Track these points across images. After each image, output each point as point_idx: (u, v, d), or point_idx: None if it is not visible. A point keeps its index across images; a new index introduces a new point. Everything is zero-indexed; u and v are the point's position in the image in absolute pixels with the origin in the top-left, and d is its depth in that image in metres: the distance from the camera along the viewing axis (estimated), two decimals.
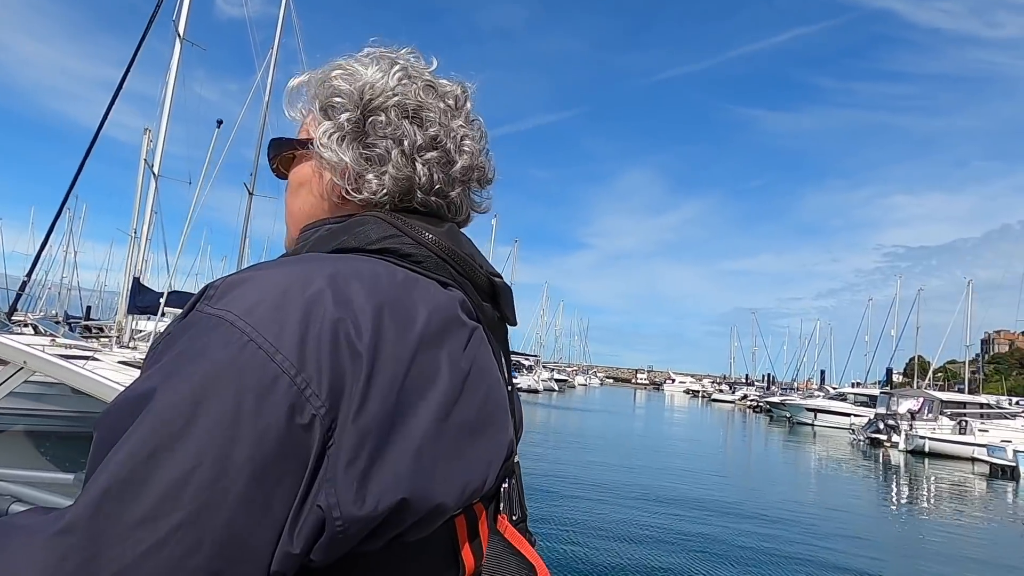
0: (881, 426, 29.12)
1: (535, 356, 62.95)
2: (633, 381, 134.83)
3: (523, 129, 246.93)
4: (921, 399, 30.22)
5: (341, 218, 0.74)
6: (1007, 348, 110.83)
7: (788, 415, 42.65)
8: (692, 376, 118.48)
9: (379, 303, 0.60)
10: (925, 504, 15.60)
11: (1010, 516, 14.73)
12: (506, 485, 0.73)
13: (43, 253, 13.41)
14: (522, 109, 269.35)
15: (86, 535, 0.46)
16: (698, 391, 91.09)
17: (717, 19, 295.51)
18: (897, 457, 25.14)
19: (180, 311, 0.60)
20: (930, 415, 28.57)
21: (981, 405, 30.62)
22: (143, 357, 0.64)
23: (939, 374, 62.28)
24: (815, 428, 37.78)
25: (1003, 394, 54.23)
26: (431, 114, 0.76)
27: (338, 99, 0.75)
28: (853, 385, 57.73)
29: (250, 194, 16.10)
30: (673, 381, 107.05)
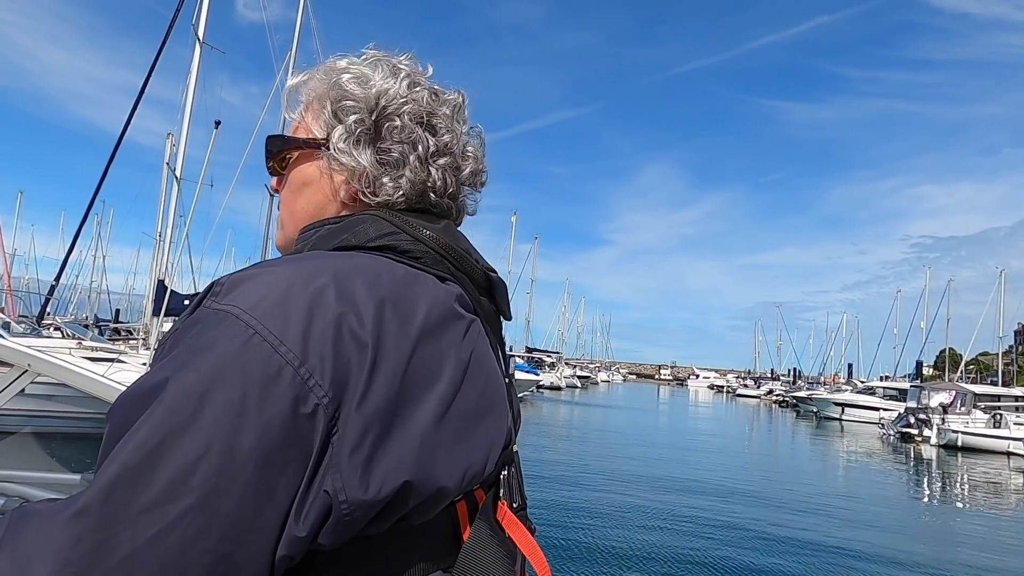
0: (912, 420, 28.56)
1: (557, 353, 62.60)
2: (656, 377, 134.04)
3: (541, 126, 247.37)
4: (953, 392, 29.60)
5: (339, 218, 0.76)
6: None
7: (815, 410, 42.14)
8: (716, 371, 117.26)
9: (381, 298, 0.62)
10: (960, 500, 15.23)
11: None
12: (506, 473, 0.75)
13: (71, 257, 13.64)
14: (540, 105, 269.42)
15: (98, 519, 0.49)
16: (723, 386, 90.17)
17: (736, 10, 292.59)
18: (929, 452, 24.65)
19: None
20: (963, 408, 27.95)
21: (1016, 398, 29.74)
22: None
23: (971, 367, 60.71)
24: (843, 423, 37.26)
25: None
26: (440, 121, 0.80)
27: (350, 102, 0.77)
28: (882, 379, 56.82)
29: (271, 195, 16.23)
30: (697, 377, 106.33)
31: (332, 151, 0.77)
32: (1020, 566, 9.25)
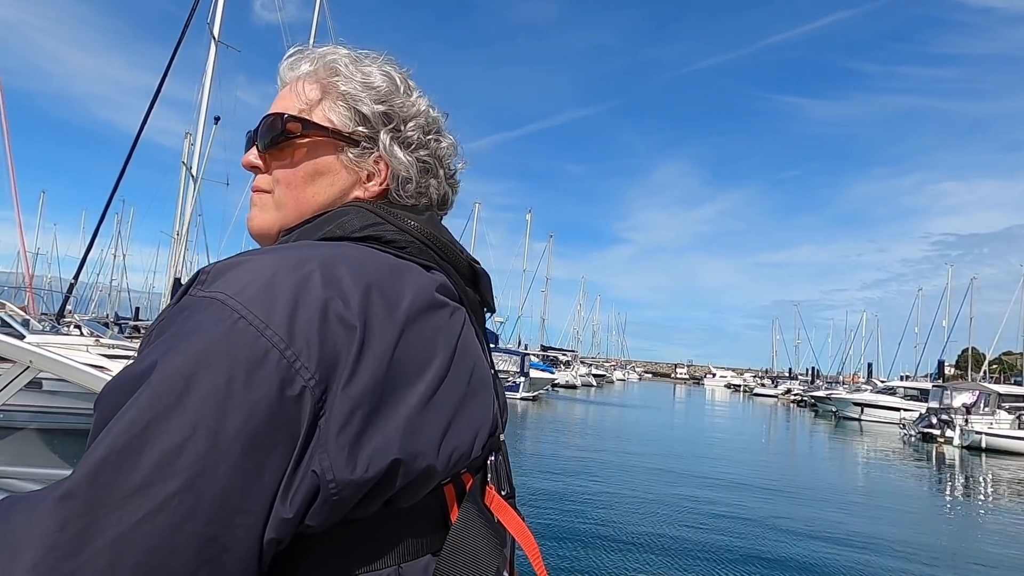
0: (934, 421, 28.02)
1: (572, 351, 62.50)
2: (672, 376, 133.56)
3: (555, 124, 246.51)
4: (977, 392, 29.00)
5: (323, 212, 0.78)
6: None
7: (834, 409, 41.62)
8: (733, 370, 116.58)
9: (367, 283, 0.63)
10: (986, 501, 14.89)
11: None
12: (494, 459, 0.76)
13: (89, 256, 13.80)
14: (554, 104, 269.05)
15: (84, 503, 0.48)
16: (739, 385, 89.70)
17: (752, 7, 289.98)
18: (952, 453, 24.18)
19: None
20: (987, 409, 27.39)
21: None
22: None
23: (994, 366, 59.56)
24: (862, 423, 36.75)
25: None
26: (443, 131, 0.86)
27: (384, 107, 0.80)
28: (902, 378, 55.99)
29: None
30: (714, 375, 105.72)
31: (379, 151, 0.79)
32: None
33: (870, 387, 49.13)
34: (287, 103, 0.81)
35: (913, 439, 28.04)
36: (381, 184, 0.80)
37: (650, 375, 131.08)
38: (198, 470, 0.50)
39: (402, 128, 0.80)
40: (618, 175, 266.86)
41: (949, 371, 60.09)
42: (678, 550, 8.20)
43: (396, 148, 0.79)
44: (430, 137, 0.83)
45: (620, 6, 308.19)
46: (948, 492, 15.97)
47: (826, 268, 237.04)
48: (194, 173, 13.00)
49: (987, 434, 24.56)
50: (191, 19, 12.12)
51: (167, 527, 0.49)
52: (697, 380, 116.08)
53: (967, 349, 62.22)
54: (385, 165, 0.80)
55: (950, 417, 27.19)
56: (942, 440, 26.58)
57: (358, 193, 0.80)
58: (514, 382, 30.02)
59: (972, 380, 42.34)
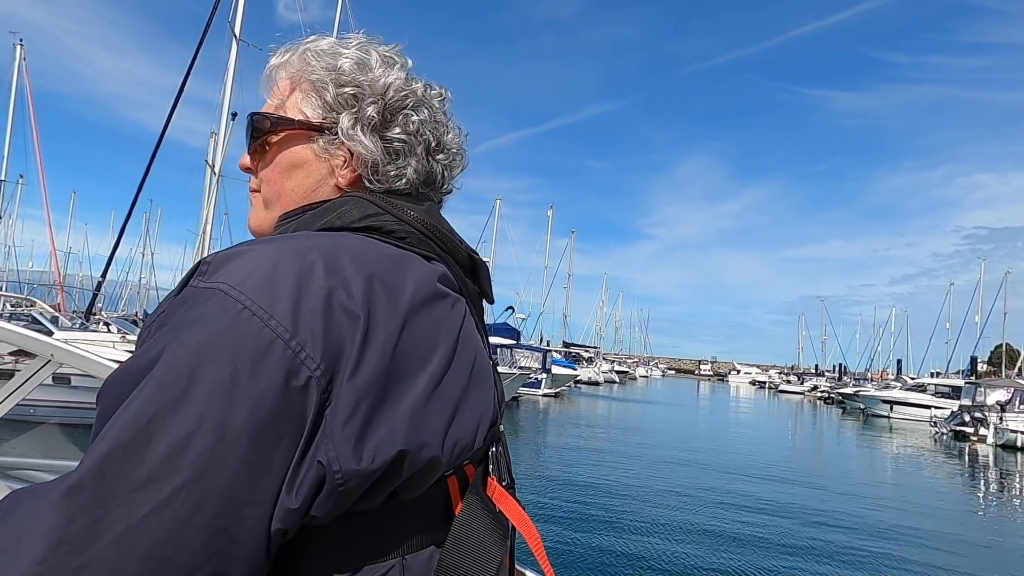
0: (967, 419, 27.40)
1: (595, 348, 62.31)
2: (696, 372, 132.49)
3: (578, 120, 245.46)
4: (1012, 389, 28.21)
5: (321, 202, 0.76)
6: None
7: (862, 407, 40.88)
8: (758, 367, 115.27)
9: (369, 273, 0.63)
10: (1021, 503, 14.49)
11: None
12: (494, 450, 0.76)
13: (117, 254, 14.02)
14: (576, 99, 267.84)
15: (91, 496, 0.48)
16: (764, 382, 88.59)
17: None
18: (985, 451, 23.63)
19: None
20: (1022, 407, 26.67)
21: None
22: None
23: None
24: (891, 421, 36.02)
25: None
26: (439, 117, 0.83)
27: (351, 89, 0.76)
28: (933, 375, 54.77)
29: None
30: (738, 372, 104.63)
31: (338, 136, 0.76)
32: None
33: (899, 384, 48.21)
34: (269, 101, 0.82)
35: (945, 437, 27.43)
36: (352, 170, 0.77)
37: (673, 371, 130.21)
38: (205, 463, 0.50)
39: (367, 109, 0.76)
40: (641, 170, 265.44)
41: (982, 368, 58.70)
42: (704, 543, 8.10)
43: (358, 131, 0.76)
44: (400, 114, 0.78)
45: (642, 1, 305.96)
46: (983, 490, 15.57)
47: (854, 263, 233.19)
48: (216, 171, 13.12)
49: (1023, 432, 23.92)
50: (212, 18, 12.28)
51: (175, 520, 0.49)
52: (721, 377, 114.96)
53: (1001, 345, 60.81)
54: (349, 150, 0.77)
55: (984, 415, 26.55)
56: (975, 438, 25.98)
57: (333, 181, 0.78)
58: (536, 378, 29.86)
59: (1006, 377, 41.27)
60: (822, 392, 62.24)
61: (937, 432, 28.82)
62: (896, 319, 77.21)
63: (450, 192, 0.89)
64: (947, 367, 60.07)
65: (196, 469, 0.50)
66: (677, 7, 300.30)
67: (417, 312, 0.64)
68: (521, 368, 26.40)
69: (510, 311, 32.49)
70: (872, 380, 62.88)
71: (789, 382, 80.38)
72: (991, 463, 20.92)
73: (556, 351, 43.65)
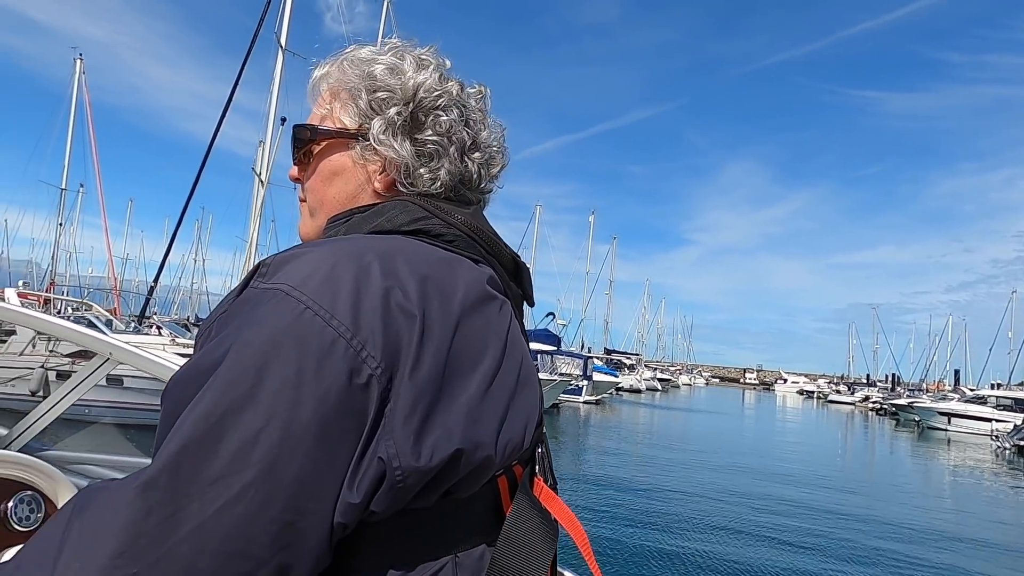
0: None
1: (636, 355, 61.66)
2: (741, 381, 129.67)
3: (620, 125, 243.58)
4: None
5: (369, 206, 0.77)
6: None
7: (917, 419, 39.30)
8: (806, 376, 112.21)
9: (423, 275, 0.64)
10: None
11: None
12: (539, 451, 0.77)
13: (170, 260, 14.48)
14: (619, 104, 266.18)
15: (166, 491, 0.50)
16: (813, 392, 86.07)
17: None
18: None
19: None
20: None
21: None
22: None
23: None
24: (949, 434, 34.49)
25: None
26: (474, 115, 0.83)
27: (385, 93, 0.77)
28: (993, 386, 52.43)
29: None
30: (785, 381, 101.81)
31: (371, 141, 0.77)
32: None
33: (957, 395, 46.41)
34: (314, 111, 0.84)
35: (1008, 452, 26.12)
36: (387, 175, 0.78)
37: (717, 380, 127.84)
38: (273, 459, 0.52)
39: (393, 111, 0.77)
40: (684, 175, 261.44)
41: None
42: (751, 547, 7.85)
43: (388, 136, 0.77)
44: (431, 115, 0.78)
45: (685, 3, 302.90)
46: None
47: (907, 269, 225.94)
48: (263, 179, 13.43)
49: None
50: (259, 30, 12.62)
51: (245, 516, 0.51)
52: (767, 386, 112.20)
53: None
54: (383, 155, 0.78)
55: None
56: None
57: (371, 187, 0.79)
58: (577, 385, 29.62)
59: None
60: (874, 403, 60.06)
61: (999, 446, 27.50)
62: (953, 328, 74.40)
63: (491, 191, 0.88)
64: (1009, 378, 57.60)
65: (265, 465, 0.51)
66: (721, 9, 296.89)
67: (469, 314, 0.66)
68: (562, 375, 26.25)
69: (551, 317, 32.38)
70: (927, 391, 60.65)
71: (839, 392, 78.02)
72: None
73: (598, 358, 43.34)
